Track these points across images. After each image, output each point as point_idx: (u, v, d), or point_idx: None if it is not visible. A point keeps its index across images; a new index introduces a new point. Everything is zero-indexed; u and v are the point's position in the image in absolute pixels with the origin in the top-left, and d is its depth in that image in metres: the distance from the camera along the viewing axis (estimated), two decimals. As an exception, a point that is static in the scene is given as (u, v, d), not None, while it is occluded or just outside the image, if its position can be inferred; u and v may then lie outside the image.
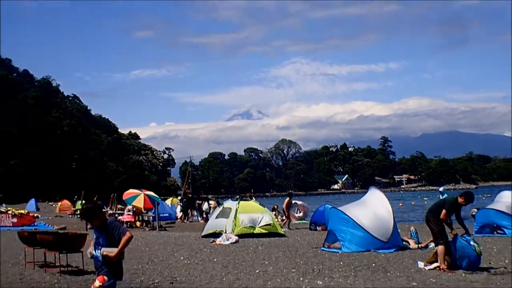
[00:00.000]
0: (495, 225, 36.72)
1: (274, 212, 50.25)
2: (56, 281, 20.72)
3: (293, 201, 55.31)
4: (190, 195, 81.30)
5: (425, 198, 67.60)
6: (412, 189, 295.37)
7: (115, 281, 11.56)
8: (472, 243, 21.63)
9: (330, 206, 39.80)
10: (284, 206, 53.25)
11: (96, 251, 11.63)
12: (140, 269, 23.81)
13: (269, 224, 40.14)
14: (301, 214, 58.54)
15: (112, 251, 11.15)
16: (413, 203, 75.59)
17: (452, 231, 22.23)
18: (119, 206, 69.16)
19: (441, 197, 44.95)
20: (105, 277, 11.35)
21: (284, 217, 54.66)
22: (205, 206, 69.88)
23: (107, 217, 12.24)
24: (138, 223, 56.26)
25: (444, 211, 21.92)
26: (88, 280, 20.76)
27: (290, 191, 72.97)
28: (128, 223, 56.56)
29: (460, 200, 22.50)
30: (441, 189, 45.90)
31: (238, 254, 28.67)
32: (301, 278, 20.80)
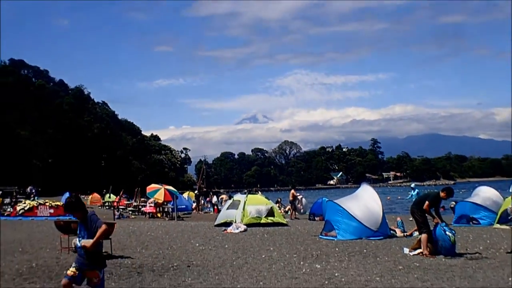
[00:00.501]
0: (471, 216, 36.82)
1: (277, 204, 50.21)
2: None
3: (297, 194, 55.41)
4: (204, 189, 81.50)
5: (409, 193, 67.75)
6: (398, 184, 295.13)
7: (102, 271, 11.59)
8: (448, 232, 21.82)
9: (326, 199, 39.76)
10: (290, 197, 53.78)
11: (78, 242, 11.58)
12: (161, 254, 23.85)
13: (273, 216, 40.29)
14: (299, 206, 58.50)
15: (89, 242, 11.11)
16: (399, 197, 75.56)
17: (434, 219, 22.32)
18: (142, 199, 69.05)
19: (412, 192, 45.46)
20: (97, 272, 11.41)
21: (290, 208, 55.33)
22: (214, 199, 70.20)
23: (88, 211, 12.18)
24: (159, 214, 56.41)
25: (427, 202, 22.07)
26: (115, 264, 20.85)
27: (292, 185, 73.21)
28: (150, 214, 57.11)
29: (442, 194, 22.81)
30: (412, 185, 45.95)
31: (247, 241, 28.69)
32: (301, 262, 20.81)
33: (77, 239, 11.59)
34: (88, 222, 11.43)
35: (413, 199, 41.30)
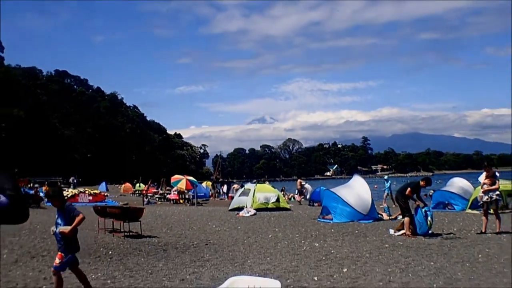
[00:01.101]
0: (447, 202, 36.96)
1: (282, 192, 50.14)
2: (121, 242, 20.76)
3: (303, 183, 55.61)
4: (220, 180, 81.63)
5: (394, 183, 67.13)
6: (385, 176, 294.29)
7: (73, 254, 11.37)
8: (429, 218, 21.97)
9: (324, 188, 39.68)
10: (298, 186, 54.10)
11: (56, 229, 11.37)
12: (183, 234, 23.88)
13: (278, 202, 40.38)
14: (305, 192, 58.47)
15: (66, 229, 10.94)
16: (375, 186, 75.37)
17: (416, 202, 22.38)
18: (167, 187, 69.11)
19: (385, 183, 45.37)
20: (62, 254, 11.20)
21: (297, 195, 55.63)
22: (225, 188, 70.43)
23: (66, 201, 12.09)
24: (181, 200, 56.53)
25: (409, 189, 22.18)
26: (144, 242, 20.87)
27: (298, 176, 73.15)
28: (174, 200, 57.17)
29: (422, 183, 22.98)
30: (385, 177, 45.83)
31: (256, 223, 28.66)
32: (302, 241, 20.81)
33: (55, 225, 11.45)
34: (65, 211, 11.30)
35: (386, 189, 44.00)
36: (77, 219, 10.82)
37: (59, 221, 11.16)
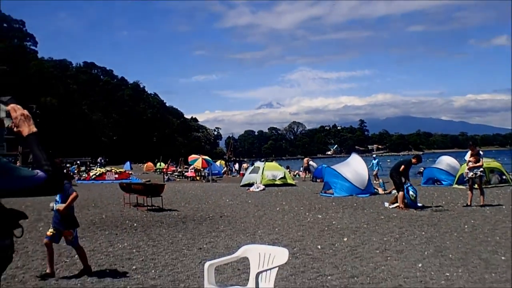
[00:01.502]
0: (436, 178, 36.97)
1: (288, 170, 50.12)
2: (144, 215, 20.81)
3: (310, 161, 55.71)
4: (232, 158, 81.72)
5: (388, 161, 67.16)
6: (380, 154, 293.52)
7: (75, 230, 11.05)
8: (410, 192, 22.18)
9: (325, 166, 39.69)
10: (305, 164, 54.24)
11: (54, 206, 11.08)
12: (200, 207, 23.90)
13: (285, 177, 40.46)
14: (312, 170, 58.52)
15: (62, 206, 10.59)
16: (380, 163, 75.23)
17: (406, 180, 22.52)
18: (185, 166, 69.26)
19: (373, 162, 45.29)
20: (71, 231, 10.91)
21: (303, 172, 55.86)
22: (236, 166, 70.59)
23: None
24: (197, 177, 56.73)
25: (403, 166, 22.29)
26: (165, 215, 20.92)
27: (305, 155, 73.07)
28: (191, 177, 57.49)
29: (413, 160, 23.23)
30: (374, 155, 46.02)
31: (265, 198, 28.66)
32: (307, 213, 20.81)
33: (53, 203, 11.22)
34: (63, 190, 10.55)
35: (373, 166, 43.77)
36: (70, 197, 10.50)
37: (57, 198, 10.87)
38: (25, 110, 3.68)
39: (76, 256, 12.65)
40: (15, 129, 3.61)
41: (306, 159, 56.08)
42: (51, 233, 10.66)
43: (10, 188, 3.39)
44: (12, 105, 3.66)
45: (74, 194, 10.66)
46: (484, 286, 9.38)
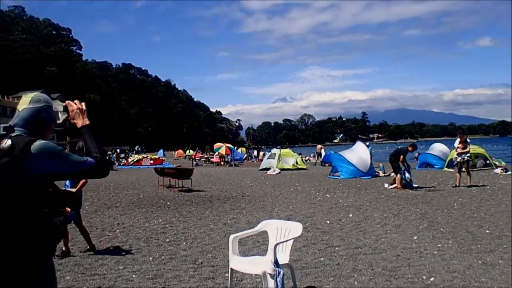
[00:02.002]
0: (428, 163, 37.07)
1: (300, 156, 50.00)
2: (176, 195, 20.86)
3: (322, 148, 55.71)
4: (252, 146, 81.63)
5: (387, 148, 66.77)
6: (380, 142, 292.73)
7: (78, 211, 10.55)
8: (406, 175, 22.20)
9: (333, 152, 39.60)
10: (318, 150, 54.36)
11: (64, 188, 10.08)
12: (224, 188, 23.95)
13: (297, 163, 40.50)
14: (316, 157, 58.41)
15: (72, 190, 9.69)
16: (380, 150, 75.14)
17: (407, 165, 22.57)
18: (211, 153, 69.42)
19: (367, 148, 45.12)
20: (68, 209, 10.74)
21: (314, 157, 56.11)
22: (255, 152, 70.60)
23: None
24: (222, 163, 56.66)
25: (402, 156, 22.33)
26: (194, 195, 21.00)
27: (318, 142, 72.98)
28: (216, 163, 57.48)
29: (410, 148, 23.43)
30: (367, 144, 45.52)
31: (280, 180, 28.67)
32: (317, 193, 20.80)
33: (65, 187, 10.45)
34: None
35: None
36: (81, 182, 10.18)
37: (67, 183, 10.56)
38: (82, 104, 3.75)
39: (118, 230, 12.75)
40: (71, 121, 3.68)
41: (319, 146, 56.33)
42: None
43: (65, 172, 3.47)
44: (68, 101, 3.73)
45: (84, 180, 10.28)
46: (471, 255, 9.38)
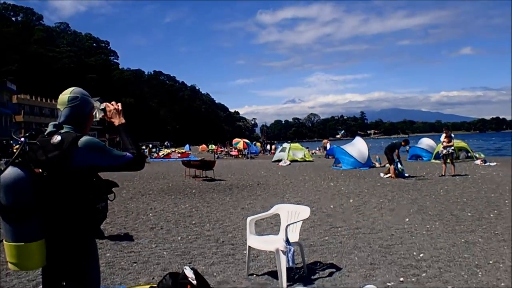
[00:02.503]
0: (418, 155, 36.98)
1: (307, 149, 49.90)
2: (200, 184, 20.90)
3: (328, 142, 55.63)
4: (266, 141, 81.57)
5: (382, 142, 66.80)
6: (376, 137, 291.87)
7: None
8: (399, 166, 22.29)
9: (336, 146, 39.52)
10: (324, 145, 54.31)
11: None
12: (242, 178, 23.95)
13: (305, 156, 40.46)
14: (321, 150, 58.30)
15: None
16: (376, 144, 74.90)
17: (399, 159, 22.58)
18: (230, 147, 69.54)
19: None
20: None
21: (320, 150, 56.08)
22: (268, 147, 70.48)
23: None
24: (240, 156, 56.71)
25: (396, 151, 22.53)
26: (216, 184, 21.02)
27: (324, 138, 72.74)
28: (235, 156, 57.48)
29: (402, 143, 23.66)
30: (326, 143, 44.38)
31: (290, 170, 28.66)
32: (322, 182, 20.78)
33: None
34: None
35: None
36: None
37: None
38: (118, 105, 3.81)
39: (150, 214, 12.81)
40: (109, 120, 3.75)
41: (325, 140, 56.42)
42: None
43: (107, 165, 3.53)
44: (106, 102, 3.79)
45: None
46: (455, 235, 9.38)
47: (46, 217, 3.45)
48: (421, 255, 7.95)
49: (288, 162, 36.29)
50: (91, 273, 3.63)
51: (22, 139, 3.60)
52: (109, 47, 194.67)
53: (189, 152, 64.27)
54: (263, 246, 6.98)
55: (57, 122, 3.63)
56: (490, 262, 7.44)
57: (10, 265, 3.43)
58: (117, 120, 3.77)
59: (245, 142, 62.74)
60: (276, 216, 7.75)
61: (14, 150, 3.52)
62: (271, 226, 10.29)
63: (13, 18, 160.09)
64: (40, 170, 3.46)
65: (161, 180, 23.61)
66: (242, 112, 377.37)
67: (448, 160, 22.85)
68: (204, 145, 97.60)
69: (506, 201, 13.65)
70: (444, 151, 23.02)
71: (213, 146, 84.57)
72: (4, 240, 3.43)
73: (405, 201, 14.27)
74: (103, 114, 3.80)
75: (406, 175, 22.31)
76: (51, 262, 3.52)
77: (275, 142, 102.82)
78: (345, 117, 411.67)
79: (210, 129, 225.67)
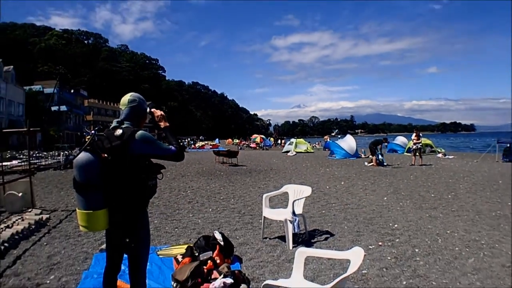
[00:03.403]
0: (394, 149, 36.72)
1: (309, 143, 49.62)
2: (227, 168, 20.85)
3: (328, 138, 55.31)
4: (278, 137, 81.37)
5: (367, 140, 66.82)
6: (362, 135, 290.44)
7: None
8: (380, 157, 22.15)
9: (331, 141, 39.28)
10: (325, 140, 54.09)
11: None
12: (259, 164, 23.81)
13: (307, 149, 40.28)
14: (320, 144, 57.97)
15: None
16: (362, 141, 74.71)
17: (381, 149, 22.50)
18: (250, 141, 69.37)
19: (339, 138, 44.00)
20: None
21: (318, 144, 55.82)
22: (279, 141, 70.29)
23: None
24: (257, 148, 56.36)
25: (380, 145, 22.81)
26: (239, 168, 20.91)
27: (325, 134, 72.22)
28: (253, 148, 57.20)
29: (383, 140, 23.93)
30: (339, 136, 43.90)
31: (295, 159, 28.51)
32: (320, 168, 20.65)
33: None
34: None
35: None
36: None
37: None
38: (162, 112, 3.90)
39: (188, 191, 12.83)
40: (157, 122, 3.85)
41: (326, 136, 55.90)
42: None
43: (156, 154, 3.61)
44: (154, 109, 3.88)
45: None
46: (421, 211, 9.35)
47: (109, 191, 3.58)
48: (395, 225, 7.97)
49: (294, 153, 36.09)
50: (144, 234, 3.76)
51: (92, 131, 3.72)
52: (158, 63, 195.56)
53: (218, 144, 64.50)
54: (275, 216, 6.99)
55: (119, 119, 3.74)
56: (448, 232, 7.51)
57: (81, 228, 3.56)
58: (163, 124, 3.84)
59: (262, 137, 62.67)
60: (285, 194, 7.76)
61: (86, 140, 3.66)
62: (281, 201, 10.29)
63: (86, 41, 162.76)
64: (105, 155, 3.58)
65: (197, 165, 23.65)
66: (259, 114, 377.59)
67: (417, 153, 22.77)
68: (230, 139, 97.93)
69: (461, 185, 13.65)
70: (414, 147, 22.98)
71: (237, 140, 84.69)
72: (76, 209, 3.58)
73: (383, 184, 14.20)
74: (150, 117, 3.88)
75: (385, 164, 22.16)
76: (113, 225, 3.65)
77: (285, 137, 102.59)
78: (339, 120, 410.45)
79: (235, 127, 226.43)
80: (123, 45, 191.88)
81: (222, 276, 4.87)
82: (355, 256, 3.66)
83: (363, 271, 5.44)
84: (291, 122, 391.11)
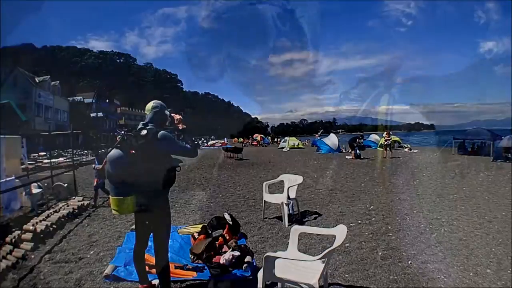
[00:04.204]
0: (369, 145, 36.63)
1: (300, 141, 49.55)
2: (233, 162, 20.77)
3: (318, 136, 55.03)
4: (274, 136, 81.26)
5: (347, 137, 67.02)
6: (343, 134, 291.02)
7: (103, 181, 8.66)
8: (358, 151, 21.98)
9: (318, 139, 39.20)
10: (316, 137, 53.52)
11: (95, 166, 8.81)
12: (259, 158, 23.62)
13: (299, 145, 40.14)
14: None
15: (99, 167, 8.60)
16: (343, 138, 74.75)
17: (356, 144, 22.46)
18: (252, 139, 69.29)
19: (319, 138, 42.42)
20: (96, 179, 8.73)
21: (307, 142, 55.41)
22: (276, 139, 70.12)
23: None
24: (258, 145, 55.81)
25: (357, 139, 22.95)
26: (243, 162, 20.77)
27: (306, 134, 72.24)
28: (254, 145, 56.94)
29: (360, 137, 24.00)
30: (323, 135, 43.32)
31: (289, 154, 28.38)
32: (309, 161, 20.46)
33: (94, 164, 8.92)
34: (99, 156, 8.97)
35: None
36: (104, 161, 7.91)
37: (96, 162, 8.75)
38: (180, 116, 3.90)
39: (202, 180, 12.77)
40: (176, 125, 3.87)
41: (316, 135, 55.06)
42: (96, 182, 8.76)
43: (174, 150, 3.62)
44: (173, 114, 3.87)
45: (105, 161, 7.06)
46: (392, 195, 9.31)
47: (136, 181, 3.57)
48: (371, 207, 7.93)
49: (288, 149, 35.91)
50: (166, 216, 3.76)
51: (122, 132, 3.74)
52: (177, 77, 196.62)
53: (226, 142, 64.21)
54: (273, 200, 6.97)
55: (144, 122, 3.77)
56: (414, 212, 7.50)
57: (113, 211, 3.59)
58: (181, 126, 3.89)
59: (261, 136, 62.59)
60: (281, 181, 7.72)
61: (117, 139, 3.69)
62: (278, 187, 10.25)
63: (118, 60, 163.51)
64: (133, 151, 3.60)
65: (209, 159, 23.57)
66: (259, 117, 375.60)
67: (388, 148, 22.69)
68: (235, 138, 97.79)
69: (424, 174, 13.61)
70: (385, 143, 22.91)
71: (241, 139, 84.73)
72: (109, 195, 3.64)
73: (361, 173, 14.13)
74: (170, 120, 3.90)
75: (362, 157, 22.10)
76: (140, 209, 3.65)
77: (280, 136, 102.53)
78: (323, 121, 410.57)
79: (239, 128, 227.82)
80: (148, 63, 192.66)
81: (231, 249, 4.96)
82: (340, 232, 3.66)
83: (346, 245, 5.44)
84: (285, 124, 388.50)
